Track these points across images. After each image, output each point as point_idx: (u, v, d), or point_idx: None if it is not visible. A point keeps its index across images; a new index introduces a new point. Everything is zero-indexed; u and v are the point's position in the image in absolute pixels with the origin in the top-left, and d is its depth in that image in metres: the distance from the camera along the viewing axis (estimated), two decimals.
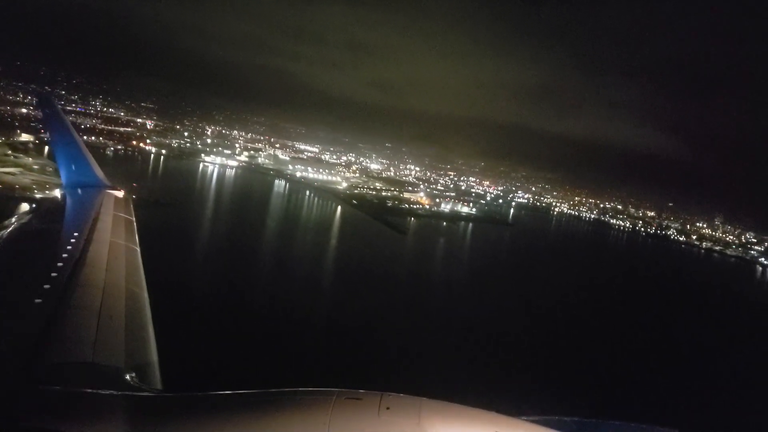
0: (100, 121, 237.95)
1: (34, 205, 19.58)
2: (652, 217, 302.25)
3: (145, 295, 14.67)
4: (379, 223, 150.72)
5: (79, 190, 21.37)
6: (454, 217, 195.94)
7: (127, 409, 8.63)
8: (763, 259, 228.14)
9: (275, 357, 46.15)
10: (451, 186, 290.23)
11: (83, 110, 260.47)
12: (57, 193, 21.53)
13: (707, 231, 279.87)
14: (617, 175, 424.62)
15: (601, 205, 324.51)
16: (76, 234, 16.50)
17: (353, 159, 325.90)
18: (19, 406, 8.91)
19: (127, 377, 10.40)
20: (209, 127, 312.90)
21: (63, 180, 21.91)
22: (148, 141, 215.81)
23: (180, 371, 12.54)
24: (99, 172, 22.70)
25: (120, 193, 21.80)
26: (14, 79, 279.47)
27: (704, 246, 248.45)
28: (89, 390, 9.50)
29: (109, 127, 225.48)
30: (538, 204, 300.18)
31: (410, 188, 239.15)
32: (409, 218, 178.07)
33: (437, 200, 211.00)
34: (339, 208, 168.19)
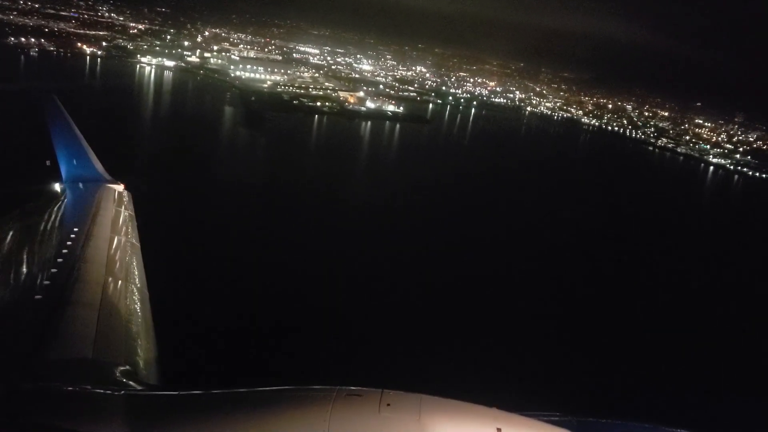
0: (73, 24, 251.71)
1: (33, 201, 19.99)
2: (648, 117, 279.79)
3: (146, 290, 14.89)
4: (245, 119, 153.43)
5: (80, 185, 21.47)
6: (371, 115, 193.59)
7: (127, 407, 8.72)
8: (710, 157, 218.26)
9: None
10: (430, 86, 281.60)
11: (66, 14, 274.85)
12: (57, 187, 21.41)
13: (699, 130, 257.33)
14: (647, 76, 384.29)
15: (609, 106, 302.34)
16: (75, 230, 16.43)
17: (347, 61, 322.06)
18: (18, 402, 8.89)
19: (127, 374, 10.47)
20: (207, 31, 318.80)
21: (63, 175, 22.05)
22: (104, 43, 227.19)
23: (181, 368, 12.91)
24: (99, 167, 22.67)
25: (120, 187, 21.70)
26: None
27: (659, 144, 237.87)
28: (89, 387, 9.62)
29: (76, 30, 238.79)
30: (512, 104, 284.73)
31: (364, 88, 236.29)
32: (311, 116, 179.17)
33: (367, 99, 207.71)
34: (225, 105, 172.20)
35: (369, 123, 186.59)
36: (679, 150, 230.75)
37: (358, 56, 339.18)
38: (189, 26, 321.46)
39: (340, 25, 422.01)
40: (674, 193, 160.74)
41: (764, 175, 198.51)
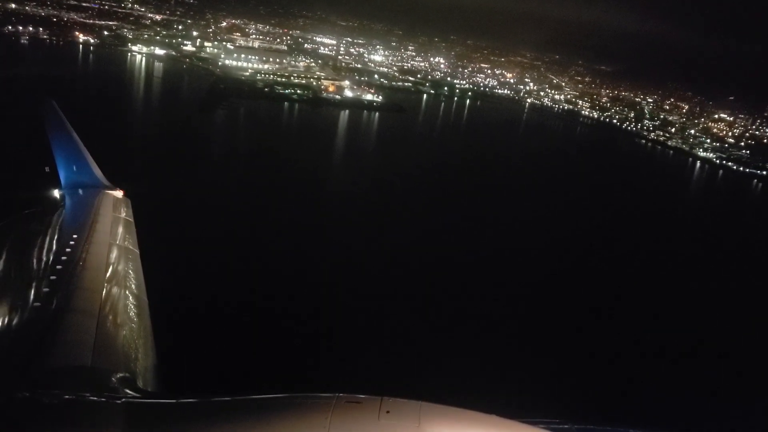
0: (84, 14, 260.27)
1: (32, 208, 19.99)
2: (662, 110, 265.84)
3: (145, 297, 14.91)
4: (201, 104, 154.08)
5: (79, 191, 21.34)
6: (345, 103, 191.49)
7: (126, 415, 8.65)
8: (700, 150, 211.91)
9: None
10: (435, 76, 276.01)
11: (87, 5, 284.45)
12: (56, 194, 21.30)
13: (711, 124, 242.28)
14: (684, 70, 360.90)
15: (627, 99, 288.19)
16: (75, 236, 16.38)
17: (358, 52, 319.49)
18: (18, 410, 8.85)
19: (126, 382, 10.43)
20: (224, 21, 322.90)
21: (62, 181, 21.96)
22: (105, 32, 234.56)
23: (180, 375, 12.94)
24: (98, 173, 22.51)
25: (119, 194, 21.57)
26: None
27: (651, 137, 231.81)
28: (88, 395, 9.58)
29: (84, 20, 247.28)
30: (514, 95, 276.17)
31: (357, 77, 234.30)
32: (278, 102, 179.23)
33: (346, 88, 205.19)
34: (194, 92, 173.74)
35: (340, 111, 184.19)
36: (669, 143, 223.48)
37: (377, 46, 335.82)
38: (209, 17, 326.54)
39: (369, 17, 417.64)
40: (642, 186, 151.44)
41: (747, 170, 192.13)
